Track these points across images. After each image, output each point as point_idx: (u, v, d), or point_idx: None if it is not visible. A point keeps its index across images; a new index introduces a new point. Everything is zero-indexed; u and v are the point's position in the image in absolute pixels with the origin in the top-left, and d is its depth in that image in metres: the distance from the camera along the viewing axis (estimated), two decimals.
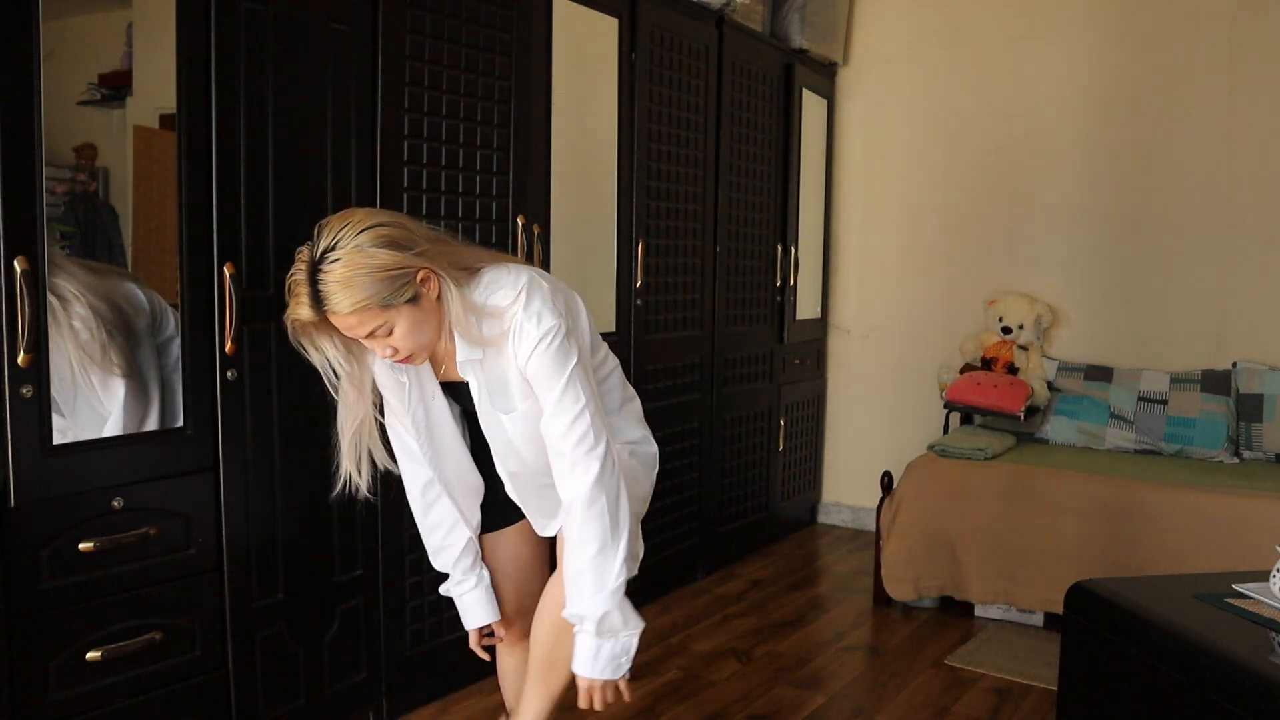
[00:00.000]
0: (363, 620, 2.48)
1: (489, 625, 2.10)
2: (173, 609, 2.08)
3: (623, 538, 1.78)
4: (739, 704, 2.79)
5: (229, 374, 2.14)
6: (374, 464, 1.94)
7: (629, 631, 1.81)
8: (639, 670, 2.97)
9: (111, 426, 1.98)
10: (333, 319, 1.70)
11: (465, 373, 1.81)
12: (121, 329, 2.00)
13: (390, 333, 1.71)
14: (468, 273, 1.81)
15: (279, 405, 2.25)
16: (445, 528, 2.03)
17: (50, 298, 1.84)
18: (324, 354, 1.82)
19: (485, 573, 2.07)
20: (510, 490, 1.98)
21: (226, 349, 2.12)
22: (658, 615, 3.44)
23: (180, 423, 2.08)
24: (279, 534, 2.27)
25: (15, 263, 1.76)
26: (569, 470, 1.79)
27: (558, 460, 1.81)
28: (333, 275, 1.64)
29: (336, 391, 1.88)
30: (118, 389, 1.99)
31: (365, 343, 1.75)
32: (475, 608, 2.07)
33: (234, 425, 2.16)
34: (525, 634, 2.06)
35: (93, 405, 1.96)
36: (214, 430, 2.13)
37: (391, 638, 2.56)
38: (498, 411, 1.86)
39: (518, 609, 2.12)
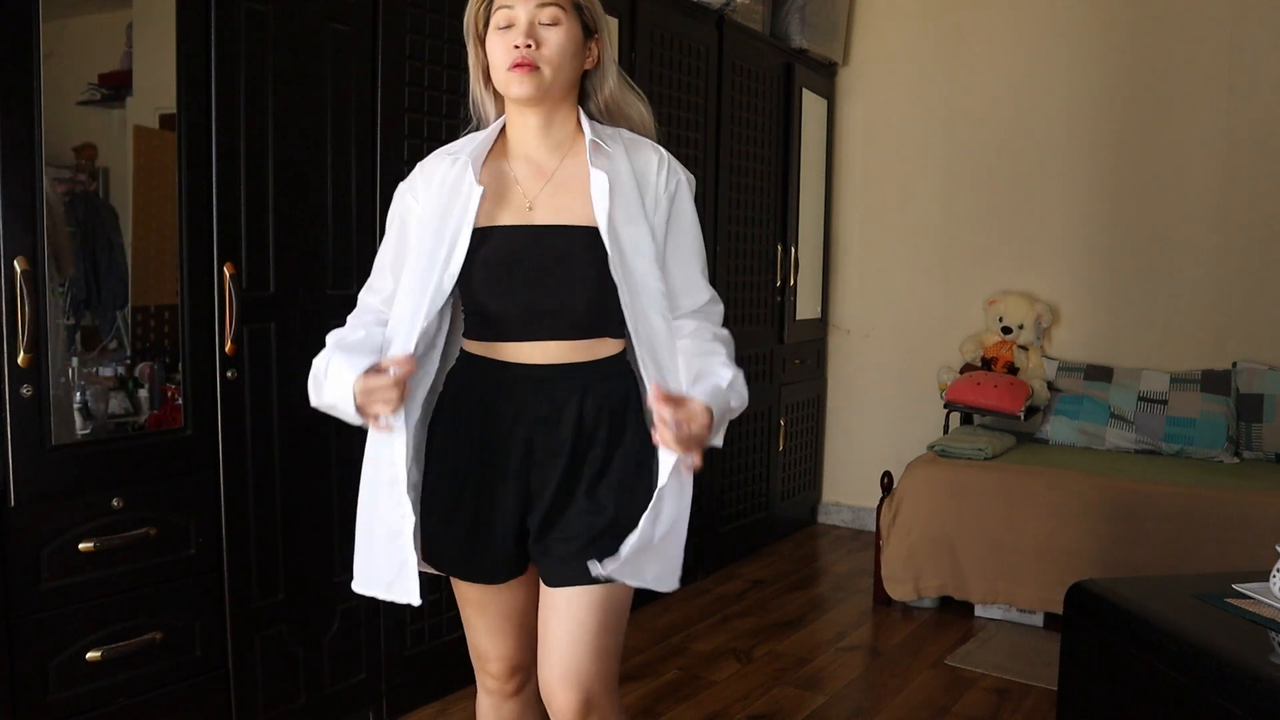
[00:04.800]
0: (363, 620, 2.48)
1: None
2: (173, 609, 2.08)
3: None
4: (739, 704, 2.79)
5: (229, 374, 2.14)
6: None
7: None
8: (639, 671, 2.98)
9: None
10: None
11: (595, 158, 1.52)
12: None
13: (553, 23, 1.51)
14: (616, 105, 1.63)
15: (279, 405, 2.25)
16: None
17: None
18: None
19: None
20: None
21: (226, 349, 2.12)
22: (658, 615, 3.45)
23: (180, 423, 2.08)
24: (279, 534, 2.27)
25: (15, 263, 1.76)
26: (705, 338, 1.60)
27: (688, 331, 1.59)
28: None
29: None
30: None
31: (522, 17, 1.50)
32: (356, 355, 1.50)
33: (234, 425, 2.16)
34: (521, 686, 1.69)
35: None
36: (214, 430, 2.13)
37: (391, 638, 2.56)
38: (626, 226, 1.51)
39: (515, 663, 1.68)
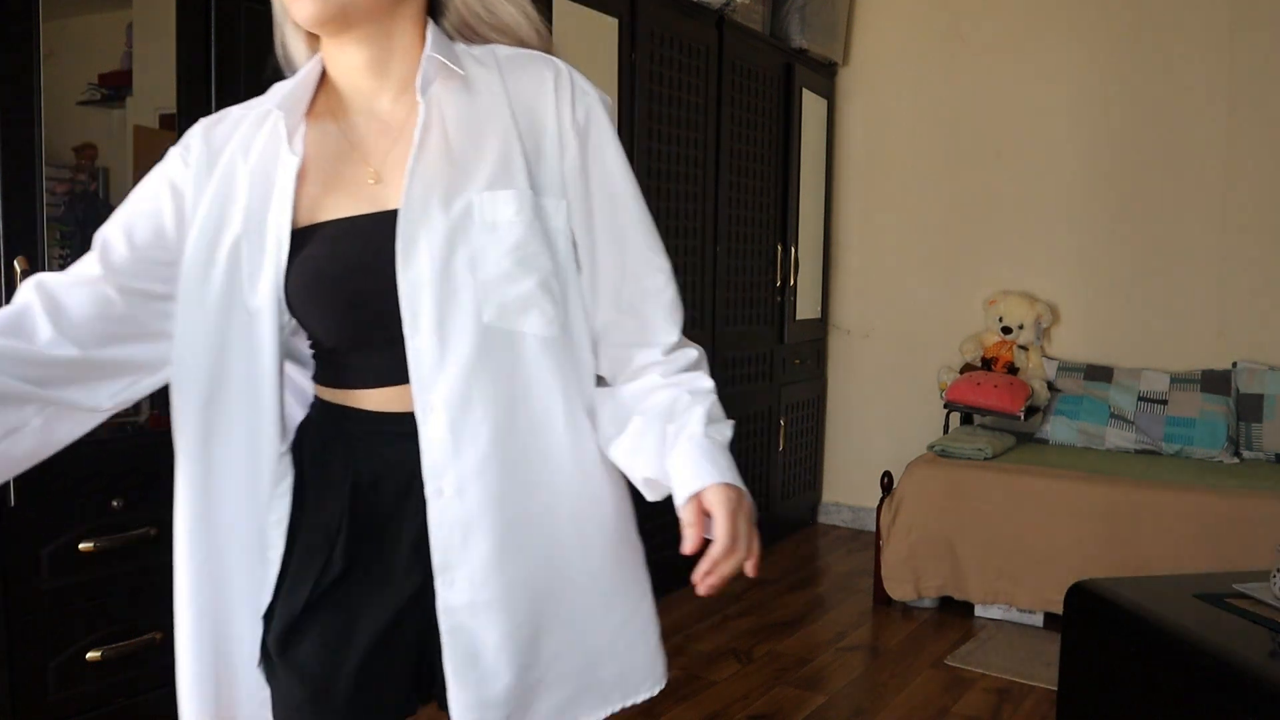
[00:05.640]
0: None
1: None
2: (172, 609, 2.07)
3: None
4: (739, 704, 2.79)
5: None
6: None
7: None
8: None
9: None
10: None
11: (427, 82, 1.00)
12: None
13: None
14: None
15: None
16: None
17: None
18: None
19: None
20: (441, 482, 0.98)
21: None
22: (658, 615, 3.44)
23: None
24: None
25: (15, 263, 1.76)
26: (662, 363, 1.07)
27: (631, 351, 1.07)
28: None
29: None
30: None
31: None
32: None
33: None
34: None
35: None
36: None
37: None
38: (455, 194, 0.98)
39: None
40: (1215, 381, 3.75)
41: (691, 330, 3.65)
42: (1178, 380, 3.79)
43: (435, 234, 0.96)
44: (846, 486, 4.71)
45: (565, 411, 1.02)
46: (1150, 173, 3.99)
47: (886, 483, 3.68)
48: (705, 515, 0.98)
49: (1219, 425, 3.64)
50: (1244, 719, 1.63)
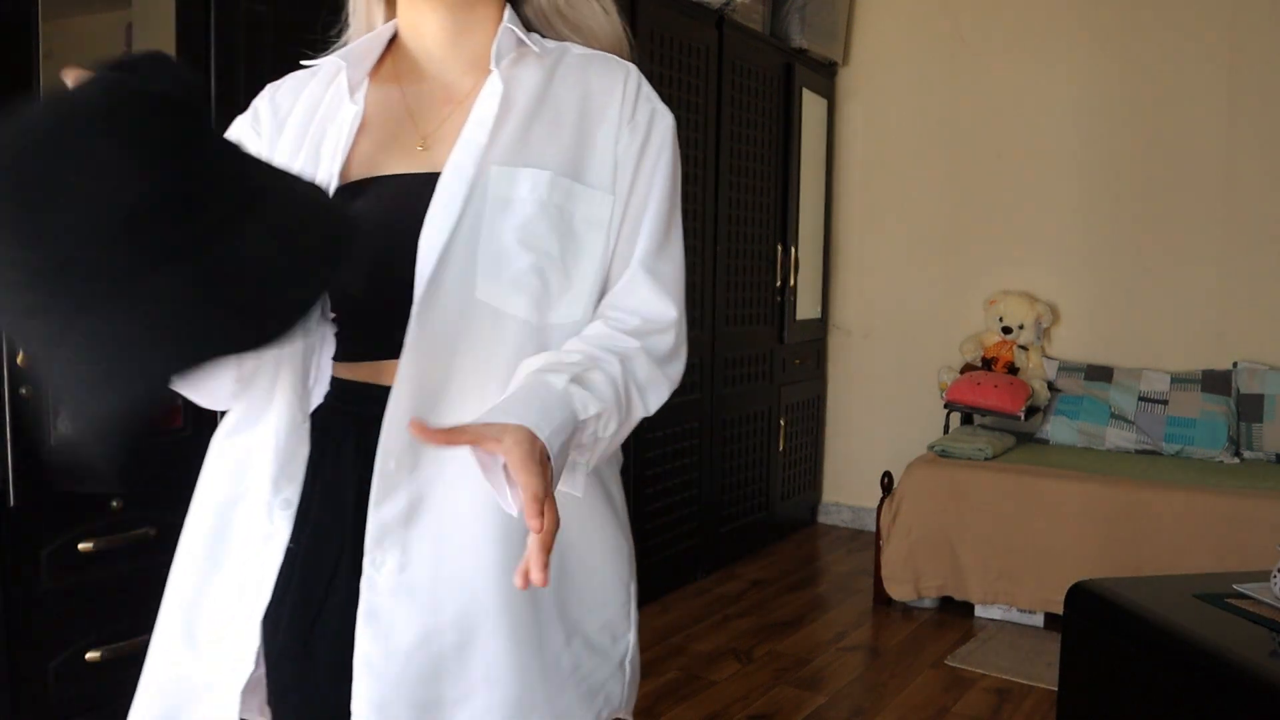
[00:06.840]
0: None
1: None
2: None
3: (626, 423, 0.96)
4: (739, 704, 2.79)
5: None
6: None
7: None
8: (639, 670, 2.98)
9: None
10: None
11: (501, 52, 1.00)
12: None
13: None
14: None
15: None
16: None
17: None
18: None
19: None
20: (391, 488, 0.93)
21: None
22: (658, 615, 3.45)
23: (180, 423, 2.08)
24: None
25: None
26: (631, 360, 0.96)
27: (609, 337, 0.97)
28: None
29: None
30: None
31: None
32: None
33: None
34: None
35: None
36: (213, 430, 2.13)
37: None
38: (486, 167, 0.97)
39: None
40: (1215, 381, 3.75)
41: (692, 330, 3.65)
42: (1178, 380, 3.79)
43: (455, 202, 0.95)
44: (846, 486, 4.71)
45: None
46: (1150, 172, 3.99)
47: (886, 483, 3.68)
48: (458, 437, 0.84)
49: (1219, 425, 3.64)
50: (1244, 719, 1.63)
